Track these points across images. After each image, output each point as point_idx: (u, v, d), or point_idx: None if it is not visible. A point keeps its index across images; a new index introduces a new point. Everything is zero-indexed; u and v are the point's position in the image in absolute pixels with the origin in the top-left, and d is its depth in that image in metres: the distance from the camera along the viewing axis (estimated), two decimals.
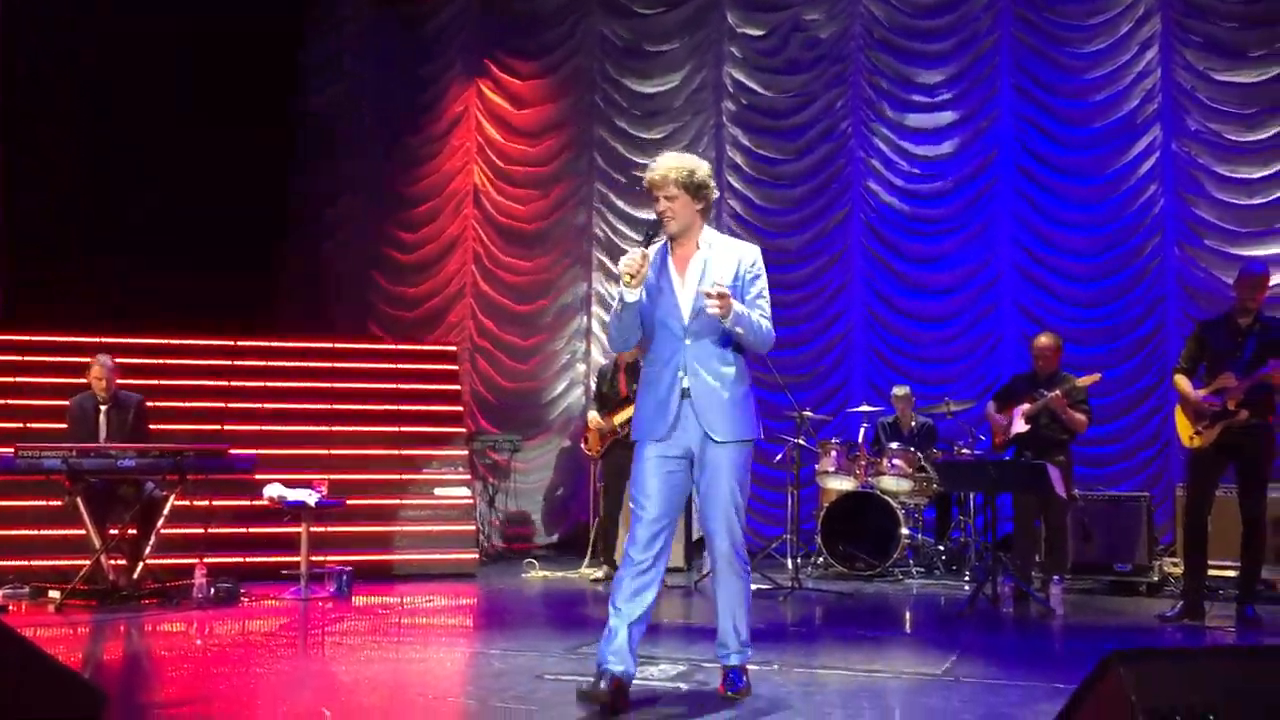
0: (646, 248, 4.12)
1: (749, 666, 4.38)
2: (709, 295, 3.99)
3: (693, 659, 4.89)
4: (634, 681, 4.10)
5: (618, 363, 8.45)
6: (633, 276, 4.07)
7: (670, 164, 4.19)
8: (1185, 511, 6.80)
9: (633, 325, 4.22)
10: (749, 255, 4.28)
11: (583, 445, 8.69)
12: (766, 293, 4.28)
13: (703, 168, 4.23)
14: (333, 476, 7.98)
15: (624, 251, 11.47)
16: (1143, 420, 9.71)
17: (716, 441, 4.11)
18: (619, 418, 8.16)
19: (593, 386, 10.60)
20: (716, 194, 4.39)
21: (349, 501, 7.95)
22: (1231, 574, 6.86)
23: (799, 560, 8.25)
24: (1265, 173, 9.59)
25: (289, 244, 12.04)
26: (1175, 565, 7.65)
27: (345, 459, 8.85)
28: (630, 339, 4.30)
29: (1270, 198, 9.57)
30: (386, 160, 11.87)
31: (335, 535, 8.11)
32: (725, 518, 4.14)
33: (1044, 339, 7.62)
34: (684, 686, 4.47)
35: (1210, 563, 6.68)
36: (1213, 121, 9.74)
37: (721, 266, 4.19)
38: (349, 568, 7.39)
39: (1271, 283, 7.51)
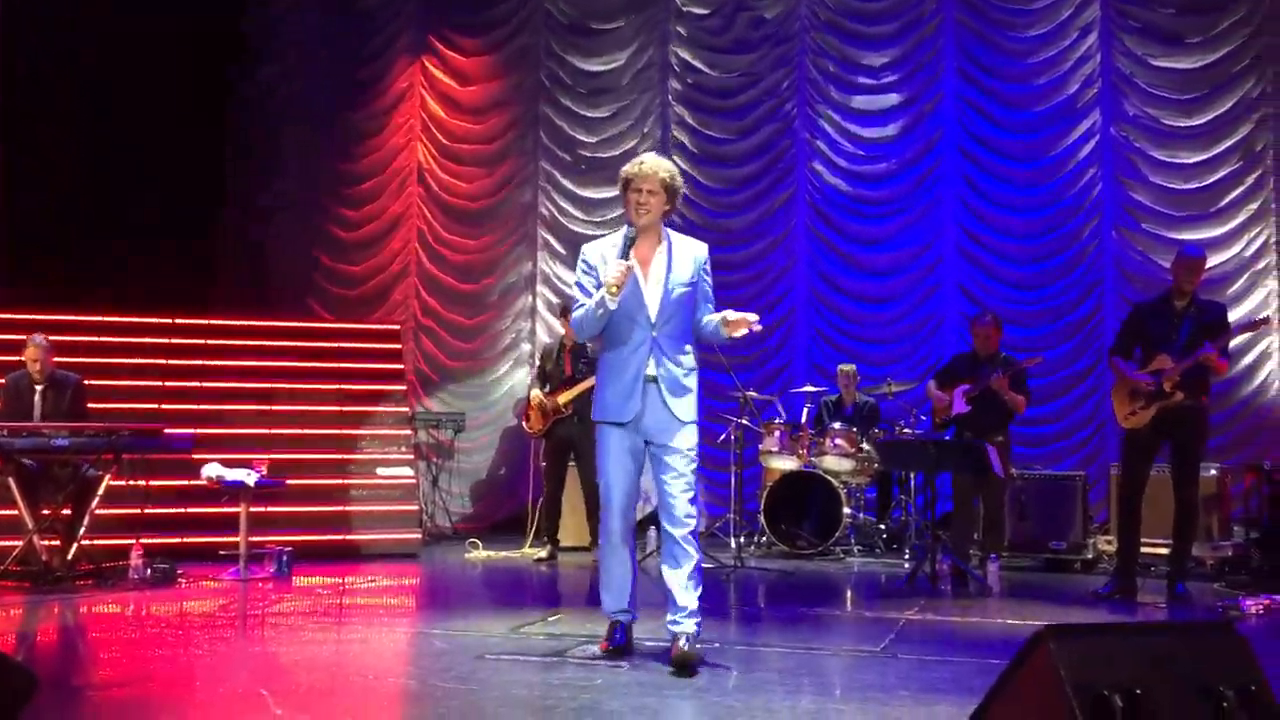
0: (627, 258, 4.43)
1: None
2: (738, 326, 4.48)
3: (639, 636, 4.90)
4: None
5: (563, 342, 8.42)
6: (618, 288, 4.38)
7: (658, 163, 4.57)
8: (1119, 490, 6.94)
9: (604, 325, 4.56)
10: (702, 253, 4.67)
11: (524, 423, 8.61)
12: (712, 289, 4.74)
13: (679, 174, 4.65)
14: (273, 456, 7.91)
15: (569, 230, 11.36)
16: (1079, 401, 9.88)
17: (681, 421, 4.51)
18: (563, 396, 8.14)
19: (535, 363, 10.60)
20: (686, 204, 4.62)
21: (290, 482, 7.87)
22: (1164, 552, 6.99)
23: (742, 539, 8.30)
24: (1201, 157, 9.77)
25: (228, 221, 11.85)
26: (1109, 543, 7.81)
27: (286, 439, 8.75)
28: (597, 334, 4.67)
29: (1206, 182, 9.75)
30: (329, 137, 11.68)
31: (276, 516, 8.02)
32: (685, 494, 4.53)
33: (984, 320, 7.72)
34: (624, 665, 4.48)
35: (1143, 541, 6.82)
36: (1150, 106, 9.90)
37: (682, 265, 4.56)
38: (289, 548, 7.31)
39: (1207, 266, 7.66)
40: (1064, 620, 5.93)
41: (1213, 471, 7.92)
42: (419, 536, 8.80)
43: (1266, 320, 8.55)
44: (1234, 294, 9.49)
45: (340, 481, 8.74)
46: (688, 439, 4.54)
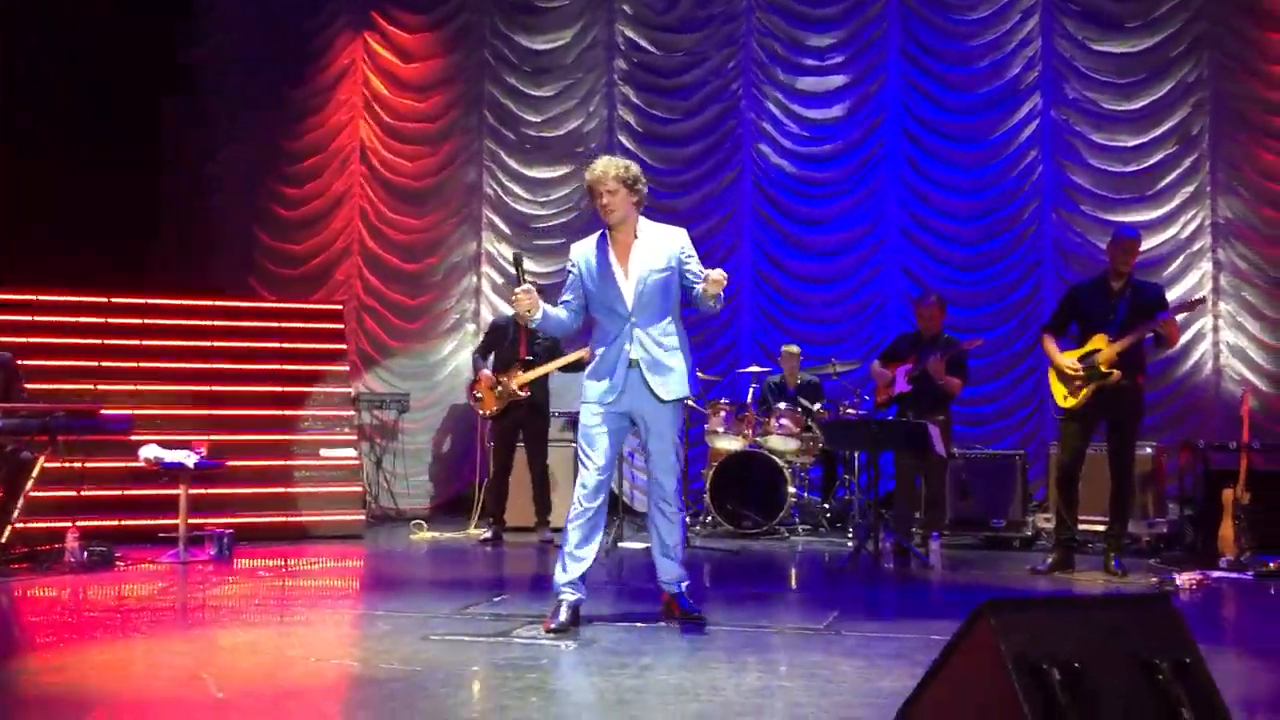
0: (521, 282, 4.79)
1: None
2: (716, 283, 4.70)
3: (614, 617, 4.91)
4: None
5: (518, 323, 8.29)
6: (530, 311, 4.77)
7: (609, 163, 4.82)
8: (1057, 469, 7.05)
9: (555, 325, 5.00)
10: (680, 239, 4.94)
11: (472, 402, 8.47)
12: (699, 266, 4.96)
13: (635, 165, 4.87)
14: (213, 437, 7.81)
15: (514, 210, 11.23)
16: (1019, 380, 10.02)
17: (665, 401, 4.83)
18: (520, 380, 8.05)
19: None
20: (647, 190, 4.95)
21: (230, 463, 7.77)
22: (1100, 528, 7.12)
23: (687, 519, 8.32)
24: (1139, 141, 9.93)
25: (166, 198, 11.63)
26: (1047, 520, 7.94)
27: (226, 419, 8.63)
28: (567, 330, 5.14)
29: (1143, 165, 9.91)
30: (269, 113, 11.48)
31: (216, 498, 7.93)
32: (671, 469, 4.94)
33: (928, 300, 7.79)
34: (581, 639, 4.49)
35: (1080, 518, 6.94)
36: (1090, 90, 10.04)
37: (654, 255, 4.84)
38: (230, 530, 7.21)
39: (1144, 248, 7.79)
40: (1003, 596, 6.01)
41: (1148, 450, 8.08)
42: (363, 518, 8.73)
43: (1202, 301, 8.73)
44: (1170, 275, 9.67)
45: (282, 463, 8.64)
46: (671, 419, 4.90)
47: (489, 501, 8.38)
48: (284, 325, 9.60)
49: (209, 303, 9.62)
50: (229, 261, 11.48)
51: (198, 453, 7.17)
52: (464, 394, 10.78)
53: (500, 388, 8.09)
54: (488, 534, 8.19)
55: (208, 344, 9.18)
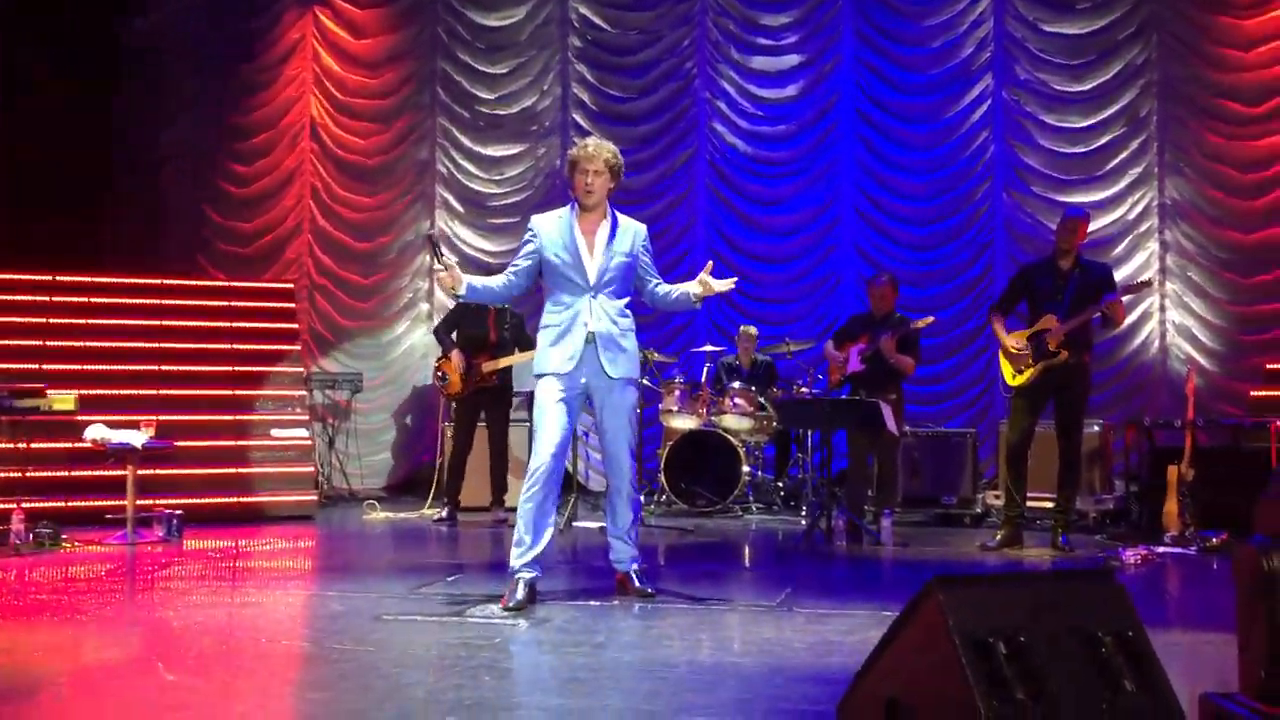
0: (439, 261, 4.89)
1: None
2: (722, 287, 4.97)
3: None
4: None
5: (487, 305, 8.28)
6: (454, 288, 4.87)
7: (601, 145, 4.93)
8: (1006, 446, 7.14)
9: (492, 297, 5.14)
10: (642, 232, 5.05)
11: (437, 381, 8.41)
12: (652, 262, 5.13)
13: (619, 154, 4.99)
14: (162, 418, 7.68)
15: (467, 188, 11.18)
16: (970, 359, 10.13)
17: (614, 378, 4.87)
18: (491, 366, 8.03)
19: (434, 323, 10.45)
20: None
21: (179, 444, 7.68)
22: (1049, 505, 7.22)
23: (642, 498, 8.33)
24: (1088, 122, 10.04)
25: (113, 174, 11.42)
26: (997, 497, 8.02)
27: (175, 400, 8.54)
28: (504, 299, 5.22)
29: (1093, 146, 10.03)
30: (219, 89, 11.30)
31: (165, 478, 7.84)
32: (627, 446, 4.99)
33: (880, 281, 7.84)
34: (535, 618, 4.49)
35: (1029, 494, 7.04)
36: (1041, 71, 10.13)
37: (623, 239, 4.94)
38: (179, 512, 7.13)
39: (1091, 228, 7.88)
40: (954, 572, 6.09)
41: (1095, 428, 8.20)
42: (315, 498, 8.67)
43: (1149, 283, 8.86)
44: (1118, 256, 9.81)
45: (233, 443, 8.55)
46: (626, 397, 4.97)
47: (445, 481, 8.35)
48: (234, 304, 9.51)
49: (157, 281, 9.50)
50: (178, 240, 11.32)
51: (146, 433, 7.07)
52: (417, 373, 10.78)
53: (468, 371, 8.04)
54: (442, 513, 8.17)
55: (156, 323, 9.08)
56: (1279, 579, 2.63)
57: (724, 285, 4.99)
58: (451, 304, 9.46)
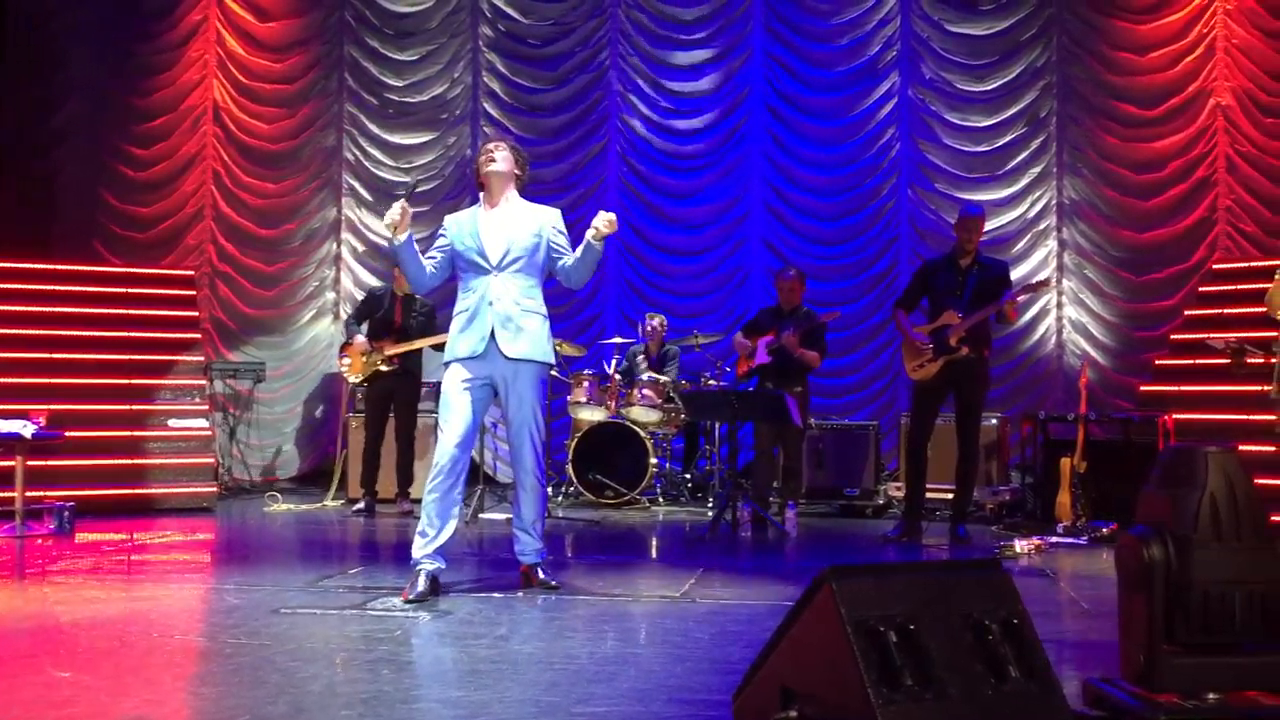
0: (406, 202, 4.92)
1: None
2: (608, 229, 4.85)
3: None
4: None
5: (394, 291, 8.21)
6: (395, 227, 4.85)
7: (505, 139, 5.20)
8: (907, 439, 7.28)
9: (415, 268, 5.00)
10: (551, 217, 5.08)
11: (340, 367, 8.36)
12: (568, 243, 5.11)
13: (527, 156, 5.18)
14: (53, 407, 7.46)
15: (375, 175, 11.06)
16: (875, 354, 10.29)
17: (519, 361, 4.87)
18: (393, 349, 7.97)
19: (344, 313, 10.32)
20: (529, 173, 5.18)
21: (72, 434, 7.46)
22: (948, 497, 7.37)
23: (550, 490, 8.33)
24: (990, 121, 10.26)
25: (4, 157, 11.01)
26: (898, 489, 8.18)
27: (68, 388, 8.29)
28: (421, 280, 5.07)
29: (995, 145, 10.25)
30: (115, 69, 10.94)
31: (56, 469, 7.63)
32: (530, 433, 4.96)
33: (788, 275, 7.91)
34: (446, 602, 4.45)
35: (929, 486, 7.18)
36: (945, 71, 10.32)
37: (529, 220, 4.99)
38: (71, 503, 6.94)
39: (993, 226, 8.07)
40: (855, 562, 6.19)
41: (993, 421, 8.39)
42: (215, 490, 8.49)
43: (1046, 283, 9.09)
44: (1018, 253, 10.05)
45: (128, 433, 8.34)
46: (530, 385, 4.95)
47: (362, 471, 8.25)
48: (131, 291, 9.26)
49: (49, 266, 9.22)
50: (72, 224, 10.94)
51: (35, 422, 6.86)
52: (322, 363, 10.62)
53: (370, 355, 8.00)
54: (360, 504, 8.10)
55: (48, 309, 8.81)
56: (1157, 568, 2.73)
57: (604, 220, 4.83)
58: (361, 294, 9.37)
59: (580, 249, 4.97)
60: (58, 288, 8.99)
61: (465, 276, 4.99)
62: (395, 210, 4.88)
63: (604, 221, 4.83)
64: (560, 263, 5.05)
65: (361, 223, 10.87)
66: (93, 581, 5.33)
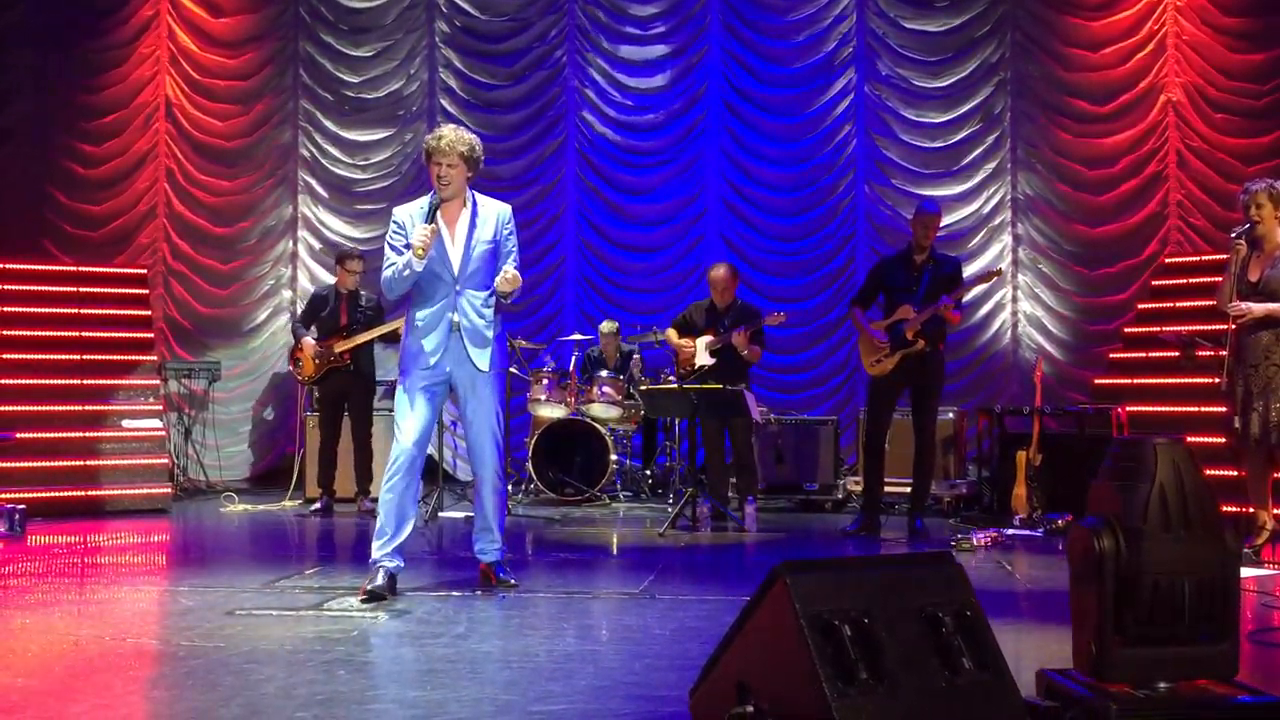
0: (432, 221, 4.76)
1: None
2: (508, 287, 4.81)
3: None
4: None
5: (338, 290, 8.16)
6: (424, 251, 4.70)
7: (456, 137, 4.83)
8: (865, 434, 7.32)
9: (404, 288, 4.88)
10: (505, 213, 5.01)
11: (292, 368, 8.33)
12: (516, 245, 5.05)
13: (479, 143, 4.93)
14: (4, 408, 7.35)
15: (331, 172, 10.96)
16: (833, 349, 10.34)
17: (481, 371, 4.85)
18: (341, 346, 7.93)
19: (295, 310, 10.24)
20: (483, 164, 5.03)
21: (21, 435, 7.36)
22: (905, 491, 7.43)
23: (510, 488, 8.30)
24: (946, 118, 10.34)
25: None
26: (857, 484, 8.23)
27: (17, 389, 8.16)
28: (404, 292, 4.93)
29: (950, 142, 10.33)
30: (64, 65, 10.76)
31: (8, 471, 7.56)
32: (492, 437, 4.95)
33: (720, 270, 7.86)
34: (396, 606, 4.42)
35: (886, 480, 7.23)
36: (901, 67, 10.38)
37: (485, 226, 4.91)
38: (22, 505, 6.83)
39: (948, 222, 8.11)
40: (813, 557, 6.22)
41: (950, 415, 8.46)
42: (169, 491, 8.39)
43: (999, 272, 9.17)
44: (973, 248, 10.13)
45: (80, 434, 8.21)
46: (490, 385, 4.93)
47: (319, 472, 8.18)
48: (82, 290, 9.09)
49: None
50: (20, 222, 10.72)
51: None
52: (278, 362, 10.52)
53: (320, 354, 7.96)
54: (317, 504, 8.04)
55: None
56: (1108, 559, 2.75)
57: (504, 278, 4.80)
58: (309, 293, 9.29)
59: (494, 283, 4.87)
60: (7, 287, 8.83)
61: (420, 286, 4.85)
62: (426, 232, 4.70)
63: (503, 279, 4.80)
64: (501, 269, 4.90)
65: (318, 220, 10.78)
66: (44, 584, 5.26)
